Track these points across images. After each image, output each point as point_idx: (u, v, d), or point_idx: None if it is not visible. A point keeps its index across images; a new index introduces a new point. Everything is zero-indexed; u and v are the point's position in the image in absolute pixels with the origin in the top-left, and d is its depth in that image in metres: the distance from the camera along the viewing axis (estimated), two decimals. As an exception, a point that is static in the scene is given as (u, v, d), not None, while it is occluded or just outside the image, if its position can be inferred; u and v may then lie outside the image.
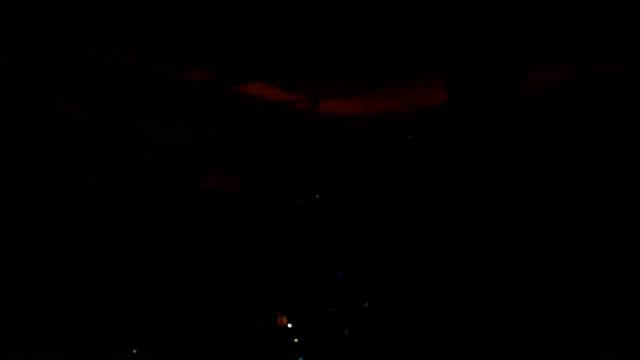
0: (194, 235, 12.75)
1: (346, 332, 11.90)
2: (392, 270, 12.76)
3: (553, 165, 9.90)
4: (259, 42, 9.61)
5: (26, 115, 10.34)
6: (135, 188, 11.86)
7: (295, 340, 12.36)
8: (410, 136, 11.91)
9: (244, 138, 12.47)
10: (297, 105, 11.69)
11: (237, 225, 13.32)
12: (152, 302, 11.57)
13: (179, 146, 11.86)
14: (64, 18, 9.01)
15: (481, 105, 9.75)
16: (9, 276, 10.42)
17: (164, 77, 10.55)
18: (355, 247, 13.36)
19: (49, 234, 10.97)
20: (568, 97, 10.47)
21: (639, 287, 8.94)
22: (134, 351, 9.95)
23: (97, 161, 11.18)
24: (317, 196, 13.29)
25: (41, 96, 10.37)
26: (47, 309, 10.50)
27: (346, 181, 12.93)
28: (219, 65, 10.49)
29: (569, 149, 10.17)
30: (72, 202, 11.12)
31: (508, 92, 9.66)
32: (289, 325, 12.74)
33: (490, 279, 10.13)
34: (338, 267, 13.92)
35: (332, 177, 12.94)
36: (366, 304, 12.69)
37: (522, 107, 9.78)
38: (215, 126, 12.29)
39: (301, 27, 9.30)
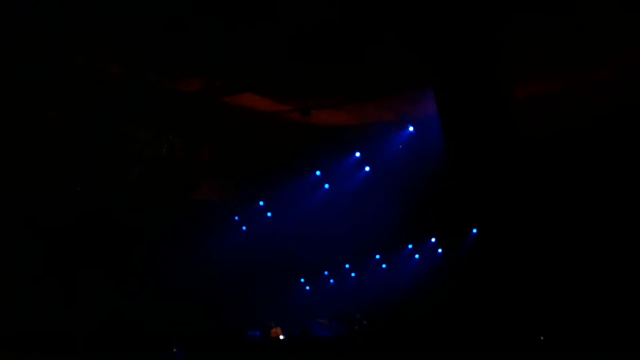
0: (185, 245, 12.73)
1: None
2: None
3: (544, 174, 9.99)
4: (252, 53, 9.66)
5: (16, 125, 10.30)
6: (125, 199, 11.81)
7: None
8: (400, 146, 11.96)
9: (235, 149, 12.46)
10: (288, 116, 11.72)
11: (229, 235, 13.35)
12: (143, 309, 11.52)
13: (169, 157, 11.85)
14: (57, 30, 9.02)
15: (470, 115, 9.83)
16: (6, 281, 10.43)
17: (155, 88, 10.56)
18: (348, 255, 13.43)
19: (41, 243, 10.93)
20: (558, 107, 10.53)
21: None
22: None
23: (87, 172, 11.15)
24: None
25: (32, 107, 10.35)
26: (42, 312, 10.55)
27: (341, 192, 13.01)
28: (212, 75, 10.53)
29: (560, 159, 10.27)
30: (62, 212, 11.07)
31: (497, 102, 9.74)
32: (281, 337, 12.68)
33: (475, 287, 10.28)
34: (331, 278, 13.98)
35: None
36: (358, 315, 12.70)
37: (512, 117, 9.86)
38: (207, 137, 12.29)
39: (294, 39, 9.34)
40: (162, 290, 11.90)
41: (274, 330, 12.88)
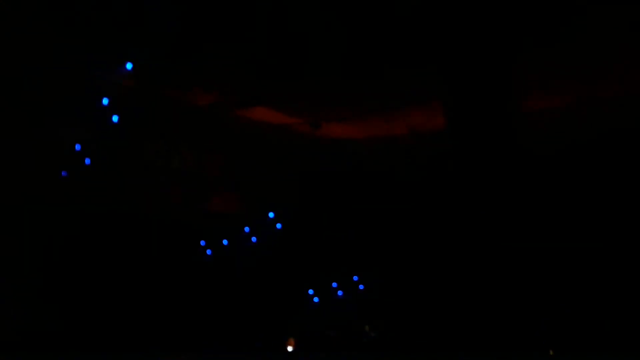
0: (196, 257, 12.78)
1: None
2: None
3: (549, 189, 10.02)
4: (262, 66, 9.76)
5: (28, 137, 10.42)
6: (136, 210, 11.89)
7: None
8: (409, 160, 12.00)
9: (247, 161, 12.55)
10: (298, 128, 11.82)
11: (239, 247, 13.38)
12: (152, 326, 11.57)
13: (181, 169, 11.95)
14: (67, 40, 9.15)
15: (479, 130, 9.90)
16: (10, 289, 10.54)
17: (167, 100, 10.69)
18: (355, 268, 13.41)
19: (49, 257, 11.00)
20: (566, 122, 10.56)
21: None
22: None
23: (99, 183, 11.24)
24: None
25: (43, 118, 10.48)
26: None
27: (347, 203, 13.02)
28: (223, 88, 10.64)
29: (565, 175, 10.29)
30: (72, 223, 11.15)
31: (505, 117, 9.81)
32: (289, 349, 12.71)
33: (487, 299, 10.28)
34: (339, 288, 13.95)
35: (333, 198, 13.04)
36: (367, 327, 12.71)
37: (520, 132, 9.92)
38: (218, 149, 12.39)
39: (304, 52, 9.44)
40: (173, 302, 11.99)
41: (289, 340, 12.91)
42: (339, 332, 12.96)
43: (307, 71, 9.89)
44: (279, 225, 13.49)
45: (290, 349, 12.79)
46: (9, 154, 10.18)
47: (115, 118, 10.43)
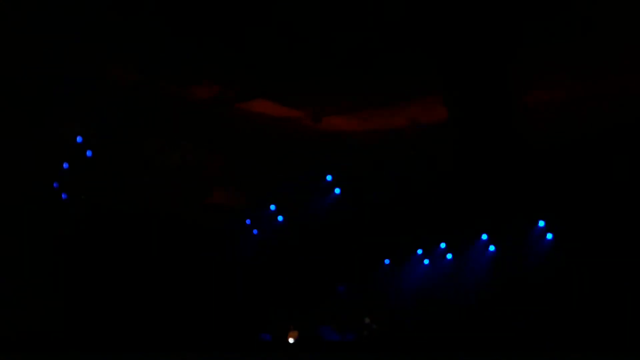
0: (196, 251, 12.77)
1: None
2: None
3: (552, 181, 10.05)
4: (264, 60, 9.72)
5: (28, 133, 10.40)
6: (137, 206, 11.87)
7: None
8: (411, 152, 11.99)
9: (248, 155, 12.52)
10: (300, 122, 11.78)
11: (238, 241, 13.40)
12: (155, 319, 11.57)
13: (182, 164, 11.92)
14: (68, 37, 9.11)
15: (480, 123, 9.89)
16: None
17: (167, 96, 10.64)
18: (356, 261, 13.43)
19: (49, 256, 10.99)
20: (566, 116, 10.56)
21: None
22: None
23: (98, 180, 11.22)
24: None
25: (43, 115, 10.46)
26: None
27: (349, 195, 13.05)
28: (224, 81, 10.60)
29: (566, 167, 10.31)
30: (74, 220, 11.14)
31: (506, 110, 9.79)
32: (291, 341, 12.73)
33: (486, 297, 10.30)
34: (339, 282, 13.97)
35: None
36: (367, 320, 12.74)
37: (521, 125, 9.91)
38: (219, 144, 12.35)
39: (305, 46, 9.41)
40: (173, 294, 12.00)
41: (291, 333, 12.95)
42: (342, 324, 13.01)
43: (308, 66, 9.87)
44: (280, 218, 13.54)
45: (291, 340, 12.83)
46: (9, 154, 10.20)
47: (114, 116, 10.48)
